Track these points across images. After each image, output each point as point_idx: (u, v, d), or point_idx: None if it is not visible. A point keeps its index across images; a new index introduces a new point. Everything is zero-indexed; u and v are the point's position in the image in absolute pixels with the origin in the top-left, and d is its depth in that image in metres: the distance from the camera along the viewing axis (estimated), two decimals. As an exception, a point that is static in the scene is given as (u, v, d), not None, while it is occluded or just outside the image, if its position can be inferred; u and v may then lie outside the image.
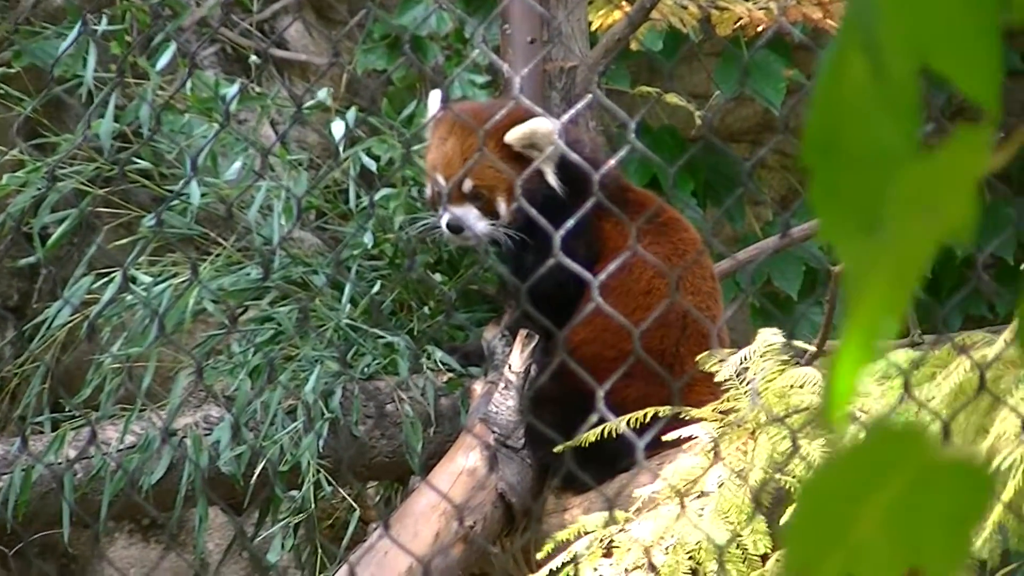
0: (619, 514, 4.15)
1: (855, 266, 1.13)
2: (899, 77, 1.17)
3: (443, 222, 4.81)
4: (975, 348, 3.71)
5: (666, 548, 4.00)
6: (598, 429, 4.29)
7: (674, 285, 4.66)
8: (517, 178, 4.60)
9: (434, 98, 4.88)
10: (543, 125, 4.70)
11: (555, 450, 4.46)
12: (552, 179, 4.73)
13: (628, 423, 4.28)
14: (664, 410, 4.28)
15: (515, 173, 4.64)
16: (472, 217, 4.80)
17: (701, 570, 3.98)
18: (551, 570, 4.13)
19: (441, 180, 4.81)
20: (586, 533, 4.14)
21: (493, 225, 4.80)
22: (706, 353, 4.41)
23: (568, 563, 4.09)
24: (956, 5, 1.17)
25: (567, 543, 4.16)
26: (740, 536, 3.98)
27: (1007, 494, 3.50)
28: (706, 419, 4.26)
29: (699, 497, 4.09)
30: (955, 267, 6.58)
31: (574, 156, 4.42)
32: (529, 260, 4.68)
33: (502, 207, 4.78)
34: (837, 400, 1.20)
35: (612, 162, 4.08)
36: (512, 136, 4.70)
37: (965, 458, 1.23)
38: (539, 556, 4.20)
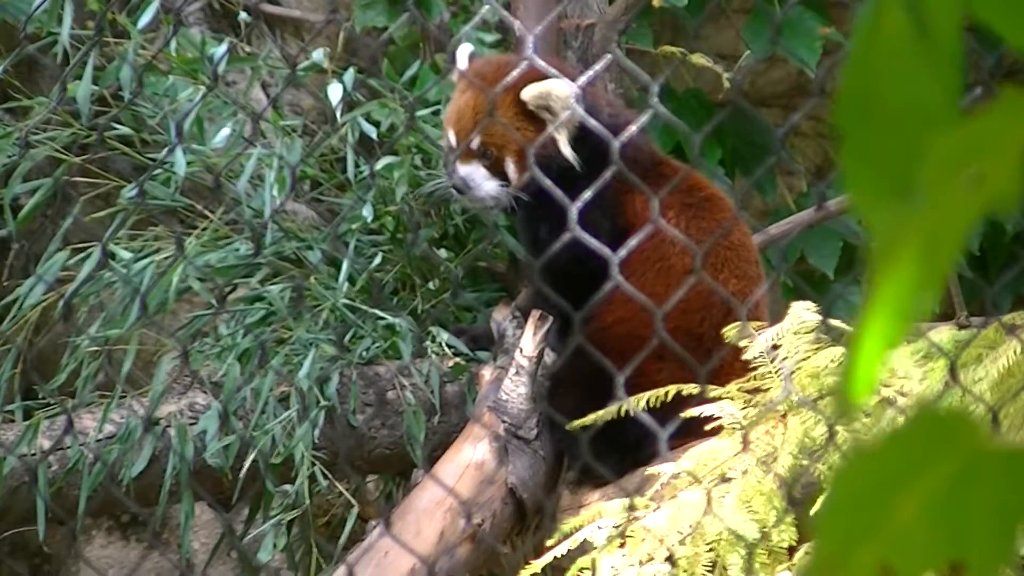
0: (638, 500, 4.16)
1: (886, 235, 1.13)
2: (941, 31, 1.17)
3: (450, 181, 4.83)
4: (1024, 329, 3.72)
5: (683, 539, 4.00)
6: (615, 411, 4.30)
7: (699, 263, 4.66)
8: (530, 141, 4.61)
9: (462, 53, 4.91)
10: (561, 88, 4.71)
11: (568, 427, 4.45)
12: (566, 149, 4.74)
13: (648, 406, 4.28)
14: (687, 389, 4.29)
15: (529, 134, 4.65)
16: (479, 176, 4.81)
17: (721, 563, 3.99)
18: (556, 557, 4.15)
19: (452, 137, 4.84)
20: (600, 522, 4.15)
21: (503, 186, 4.81)
22: (734, 325, 4.41)
23: (575, 551, 4.10)
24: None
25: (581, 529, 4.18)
26: (767, 528, 3.99)
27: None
28: (731, 398, 4.27)
29: (720, 483, 4.10)
30: (1005, 243, 6.57)
31: (594, 123, 4.43)
32: (544, 233, 4.69)
33: (511, 168, 4.79)
34: (860, 382, 1.20)
35: (633, 128, 4.08)
36: (528, 94, 4.71)
37: (1014, 447, 1.23)
38: (548, 542, 4.22)
